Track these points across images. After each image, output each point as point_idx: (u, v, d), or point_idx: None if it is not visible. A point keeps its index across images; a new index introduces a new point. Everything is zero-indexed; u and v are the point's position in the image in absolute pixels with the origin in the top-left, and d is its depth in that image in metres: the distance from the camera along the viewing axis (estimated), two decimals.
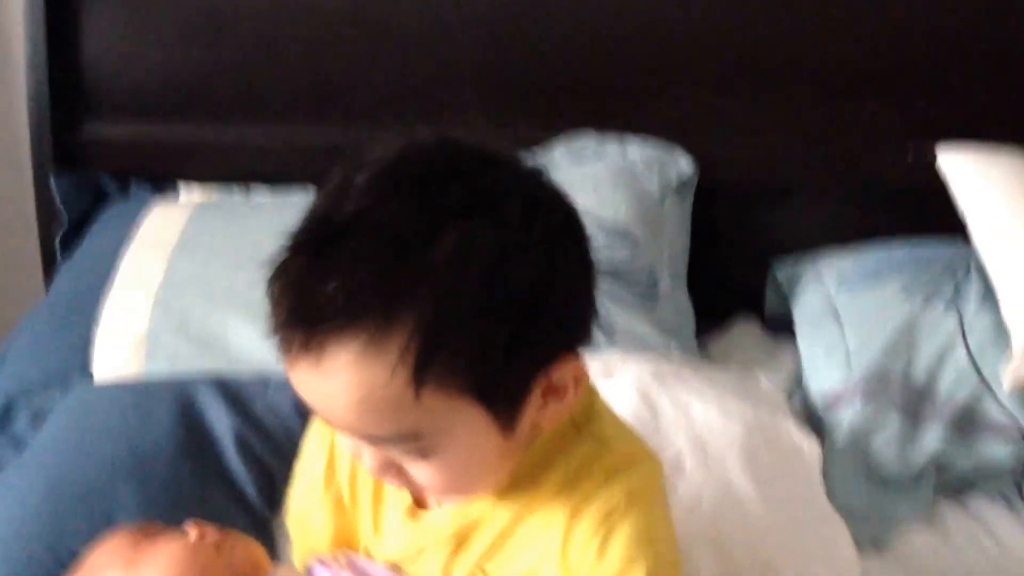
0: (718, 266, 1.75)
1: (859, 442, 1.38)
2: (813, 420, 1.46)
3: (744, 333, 1.74)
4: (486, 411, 0.77)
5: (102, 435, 1.24)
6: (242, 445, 1.25)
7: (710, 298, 1.71)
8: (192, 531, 0.98)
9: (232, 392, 1.33)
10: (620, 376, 1.35)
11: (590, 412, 0.88)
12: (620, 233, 1.62)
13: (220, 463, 1.24)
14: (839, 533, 1.21)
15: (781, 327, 1.73)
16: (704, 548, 1.13)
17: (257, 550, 1.00)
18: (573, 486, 0.85)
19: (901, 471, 1.37)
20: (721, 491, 1.21)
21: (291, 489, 1.03)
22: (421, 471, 0.80)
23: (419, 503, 0.91)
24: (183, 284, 1.57)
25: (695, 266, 1.72)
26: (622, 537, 0.83)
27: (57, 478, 1.18)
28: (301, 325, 0.73)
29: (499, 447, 0.80)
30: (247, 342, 1.48)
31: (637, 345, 1.47)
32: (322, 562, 0.96)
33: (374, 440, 0.78)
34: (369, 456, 0.81)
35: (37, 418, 1.45)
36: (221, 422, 1.28)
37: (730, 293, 1.78)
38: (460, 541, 0.89)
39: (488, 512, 0.88)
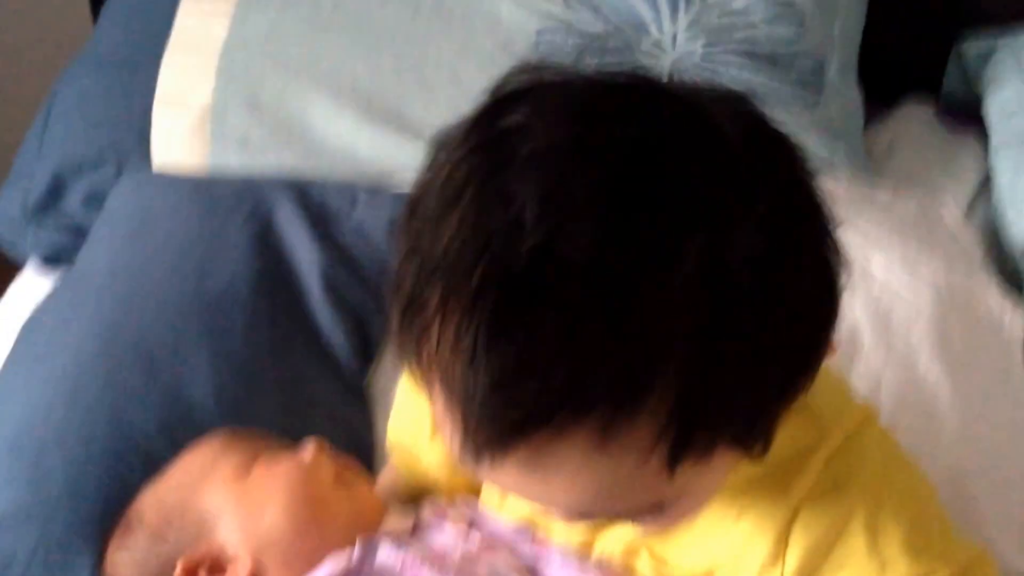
0: (889, 41, 1.43)
1: None
2: (1004, 262, 1.21)
3: (915, 123, 1.45)
4: (740, 448, 0.56)
5: (164, 269, 1.03)
6: (329, 284, 1.05)
7: (875, 78, 1.42)
8: (310, 446, 0.81)
9: (315, 206, 1.12)
10: None
11: None
12: (783, 5, 1.32)
13: (304, 309, 1.04)
14: None
15: (959, 116, 1.44)
16: None
17: (376, 493, 0.83)
18: (782, 480, 0.66)
19: None
20: (905, 377, 1.00)
21: (393, 412, 0.85)
22: (649, 520, 0.60)
23: None
24: (251, 44, 1.32)
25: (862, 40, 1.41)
26: (894, 543, 0.65)
27: (112, 325, 0.99)
28: (498, 435, 0.50)
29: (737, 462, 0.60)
30: (332, 128, 1.25)
31: None
32: (440, 515, 0.79)
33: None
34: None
35: (90, 199, 1.27)
36: (304, 252, 1.07)
37: (900, 73, 1.48)
38: None
39: None
